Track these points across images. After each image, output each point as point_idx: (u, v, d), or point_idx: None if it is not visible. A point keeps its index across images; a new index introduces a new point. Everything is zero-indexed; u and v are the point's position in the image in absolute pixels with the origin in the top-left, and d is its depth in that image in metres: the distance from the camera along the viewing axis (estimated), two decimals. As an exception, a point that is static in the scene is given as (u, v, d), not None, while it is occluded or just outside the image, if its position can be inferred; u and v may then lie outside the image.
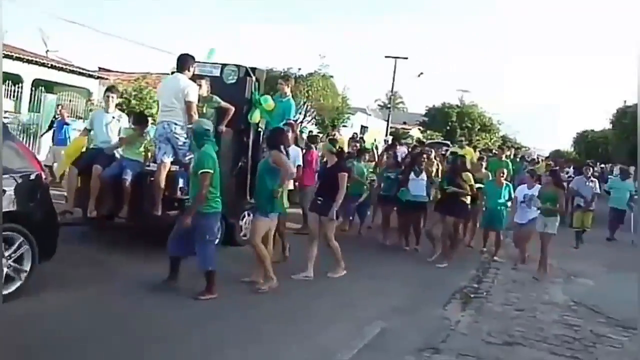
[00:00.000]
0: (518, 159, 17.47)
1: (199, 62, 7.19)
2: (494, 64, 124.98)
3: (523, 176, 9.94)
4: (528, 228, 8.57)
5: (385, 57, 31.87)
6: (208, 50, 8.03)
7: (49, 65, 18.71)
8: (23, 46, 18.60)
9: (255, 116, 7.61)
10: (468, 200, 8.65)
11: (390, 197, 9.37)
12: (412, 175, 8.96)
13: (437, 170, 10.17)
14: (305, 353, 4.65)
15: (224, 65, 7.70)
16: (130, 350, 4.32)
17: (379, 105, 54.17)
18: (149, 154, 7.35)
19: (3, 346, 3.97)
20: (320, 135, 15.11)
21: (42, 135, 13.99)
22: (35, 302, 4.88)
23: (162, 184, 6.54)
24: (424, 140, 23.18)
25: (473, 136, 33.67)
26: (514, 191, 9.20)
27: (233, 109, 7.26)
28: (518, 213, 8.72)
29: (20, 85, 15.72)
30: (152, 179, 6.74)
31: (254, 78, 7.66)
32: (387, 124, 31.56)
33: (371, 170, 10.38)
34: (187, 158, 6.57)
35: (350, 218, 9.95)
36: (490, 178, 9.87)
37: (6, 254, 4.61)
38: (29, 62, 17.63)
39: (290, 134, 6.89)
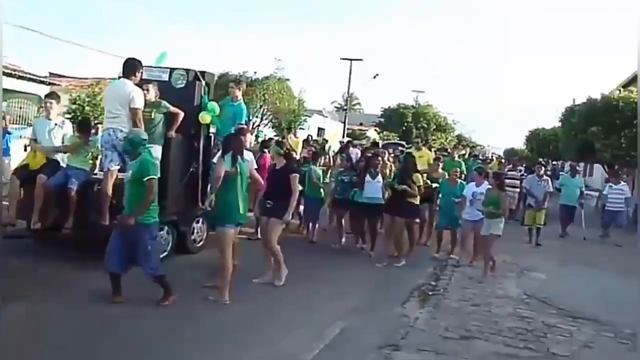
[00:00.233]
0: (472, 158, 17.72)
1: (147, 66, 7.01)
2: (448, 65, 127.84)
3: (473, 174, 10.06)
4: (476, 225, 8.62)
5: (341, 59, 32.02)
6: (159, 54, 7.85)
7: (-3, 72, 17.90)
8: (-33, 52, 17.77)
9: (205, 117, 7.46)
10: (417, 201, 8.70)
11: (343, 200, 9.34)
12: (367, 177, 8.92)
13: (391, 171, 10.22)
14: (269, 356, 4.72)
15: (172, 70, 7.51)
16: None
17: (335, 107, 54.69)
18: (97, 162, 7.11)
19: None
20: (277, 138, 14.99)
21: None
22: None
23: (110, 192, 6.32)
24: (379, 141, 23.39)
25: (429, 136, 34.14)
26: None
27: (182, 114, 7.09)
28: (467, 210, 8.79)
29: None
30: (99, 187, 6.52)
31: (203, 82, 7.51)
32: (344, 126, 31.71)
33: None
34: None
35: (317, 225, 9.81)
36: (446, 177, 9.99)
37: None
38: (-26, 68, 16.82)
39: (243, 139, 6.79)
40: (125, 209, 5.46)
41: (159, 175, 5.48)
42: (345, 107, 35.52)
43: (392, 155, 11.13)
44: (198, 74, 7.49)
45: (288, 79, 22.71)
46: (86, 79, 20.21)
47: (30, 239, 7.29)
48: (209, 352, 4.68)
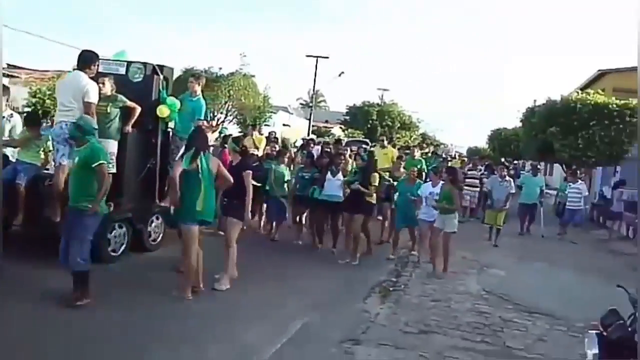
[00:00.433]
0: (434, 157, 17.84)
1: (103, 59, 6.80)
2: (413, 64, 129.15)
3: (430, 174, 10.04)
4: (433, 225, 8.54)
5: (307, 56, 32.03)
6: (117, 51, 7.59)
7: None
8: None
9: (163, 110, 7.27)
10: (374, 199, 8.71)
11: (303, 197, 9.25)
12: (329, 175, 8.88)
13: (352, 169, 10.18)
14: (232, 350, 4.75)
15: (129, 63, 7.31)
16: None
17: (300, 104, 54.58)
18: (49, 157, 6.85)
19: None
20: (241, 134, 14.81)
21: None
22: None
23: (61, 187, 6.08)
24: (344, 138, 23.46)
25: (393, 134, 34.37)
26: None
27: (139, 108, 6.92)
28: (424, 210, 8.69)
29: None
30: (50, 182, 6.29)
31: (161, 76, 7.34)
32: (309, 123, 31.71)
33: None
34: None
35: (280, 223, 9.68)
36: (404, 176, 9.90)
37: None
38: None
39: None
40: (70, 198, 5.25)
41: (114, 171, 5.30)
42: (310, 104, 35.49)
43: (354, 153, 11.03)
44: (156, 67, 7.31)
45: (253, 75, 22.69)
46: (47, 71, 19.59)
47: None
48: (172, 347, 4.65)
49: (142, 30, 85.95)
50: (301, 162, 10.15)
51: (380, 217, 10.47)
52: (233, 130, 19.57)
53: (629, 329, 2.99)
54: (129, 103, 6.85)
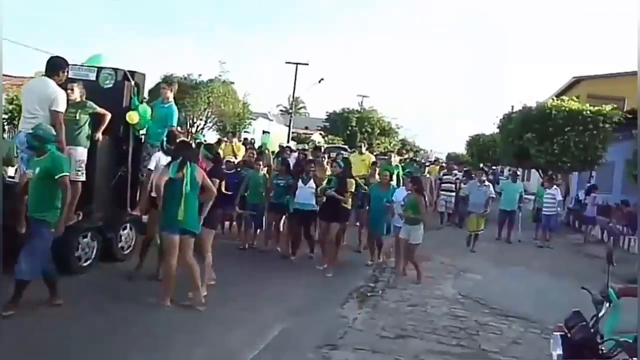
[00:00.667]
0: (411, 163, 17.81)
1: (74, 64, 6.66)
2: (392, 70, 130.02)
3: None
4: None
5: (286, 62, 31.96)
6: (93, 54, 7.45)
7: None
8: None
9: (132, 116, 7.13)
10: (349, 205, 8.64)
11: (279, 204, 9.16)
12: (300, 182, 8.75)
13: (328, 176, 10.07)
14: (210, 357, 4.75)
15: (100, 69, 7.16)
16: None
17: (280, 110, 54.50)
18: (15, 165, 6.68)
19: None
20: (216, 141, 14.65)
21: None
22: None
23: (25, 197, 5.91)
24: (323, 145, 23.42)
25: (373, 140, 34.44)
26: None
27: (110, 115, 6.77)
28: (397, 217, 8.53)
29: None
30: (13, 192, 6.09)
31: (132, 82, 7.21)
32: (289, 129, 31.64)
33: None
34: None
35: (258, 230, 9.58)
36: (377, 182, 9.69)
37: None
38: None
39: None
40: (29, 209, 5.12)
41: (84, 179, 5.18)
42: (290, 111, 35.43)
43: (331, 159, 10.94)
44: (127, 73, 7.17)
45: (233, 82, 22.56)
46: (23, 77, 19.21)
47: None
48: (151, 353, 4.62)
49: (120, 37, 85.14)
50: (276, 169, 10.07)
51: (358, 224, 10.43)
52: (212, 137, 19.42)
53: (592, 330, 3.02)
54: (99, 109, 6.69)
